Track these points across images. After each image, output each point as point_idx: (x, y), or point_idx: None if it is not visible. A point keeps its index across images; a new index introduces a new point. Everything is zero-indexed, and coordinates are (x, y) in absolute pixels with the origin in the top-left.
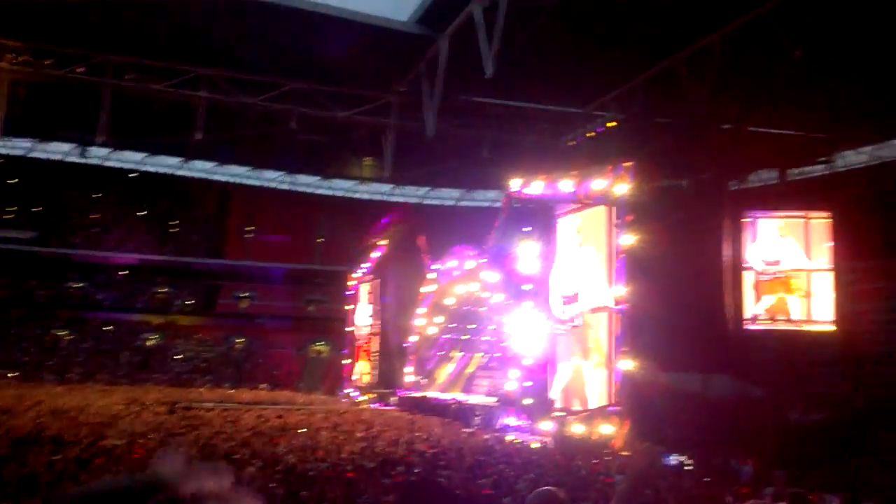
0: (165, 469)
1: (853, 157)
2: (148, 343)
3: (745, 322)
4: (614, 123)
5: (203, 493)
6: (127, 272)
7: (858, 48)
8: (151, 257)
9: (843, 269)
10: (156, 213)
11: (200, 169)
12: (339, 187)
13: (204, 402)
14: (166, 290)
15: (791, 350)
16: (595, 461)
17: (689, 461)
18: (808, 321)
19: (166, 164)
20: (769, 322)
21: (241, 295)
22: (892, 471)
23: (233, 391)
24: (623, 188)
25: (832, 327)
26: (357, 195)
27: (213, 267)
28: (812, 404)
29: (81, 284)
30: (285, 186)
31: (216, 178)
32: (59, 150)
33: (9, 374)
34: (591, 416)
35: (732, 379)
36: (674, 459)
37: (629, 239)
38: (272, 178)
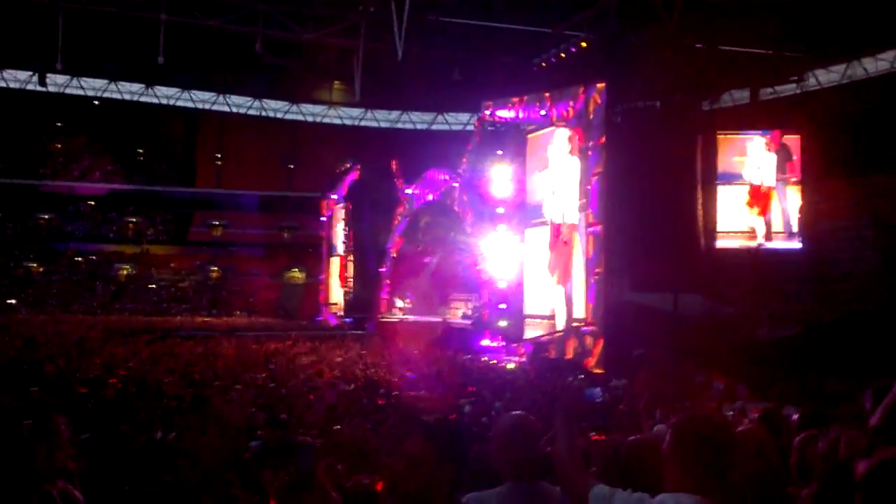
0: None
1: (824, 76)
2: (122, 273)
3: (717, 240)
4: (585, 44)
5: None
6: (95, 203)
7: None
8: (120, 186)
9: (812, 188)
10: (122, 142)
11: (165, 95)
12: (309, 112)
13: (181, 330)
14: (137, 219)
15: (760, 268)
16: (569, 379)
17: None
18: (779, 238)
19: (129, 91)
20: (745, 238)
21: (214, 223)
22: (852, 383)
23: (209, 319)
24: (596, 109)
25: (800, 244)
26: (327, 119)
27: (184, 195)
28: (780, 321)
29: (50, 216)
30: (254, 112)
31: (182, 104)
32: (17, 79)
33: None
34: (565, 335)
35: (703, 297)
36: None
37: (602, 160)
38: (240, 104)
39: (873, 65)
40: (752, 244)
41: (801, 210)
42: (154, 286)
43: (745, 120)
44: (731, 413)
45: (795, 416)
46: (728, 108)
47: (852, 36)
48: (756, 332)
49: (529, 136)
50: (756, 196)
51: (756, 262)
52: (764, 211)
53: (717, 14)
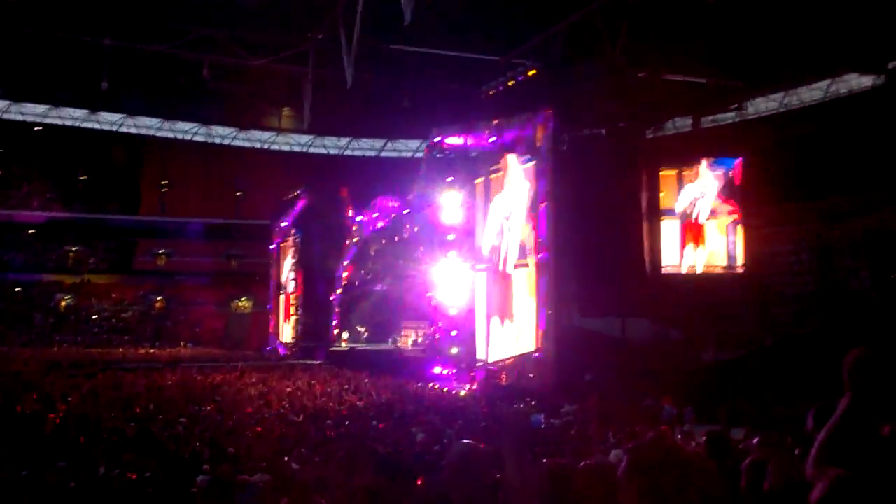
0: None
1: (763, 105)
2: (62, 304)
3: (662, 267)
4: (533, 72)
5: None
6: (34, 231)
7: None
8: (60, 214)
9: (753, 213)
10: (63, 169)
11: (109, 121)
12: (257, 138)
13: (124, 362)
14: (78, 248)
15: (705, 293)
16: (515, 406)
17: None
18: (722, 265)
19: (72, 117)
20: (688, 267)
21: (159, 252)
22: (795, 405)
23: (153, 351)
24: (544, 137)
25: (742, 270)
26: (276, 146)
27: (127, 223)
28: (724, 344)
29: None
30: (200, 138)
31: (126, 130)
32: None
33: None
34: (516, 362)
35: (650, 322)
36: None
37: (550, 187)
38: (186, 130)
39: (808, 94)
40: (697, 270)
41: (744, 235)
42: (96, 317)
43: (688, 147)
44: (679, 437)
45: (755, 440)
46: (671, 135)
47: (788, 66)
48: (702, 355)
49: (480, 164)
50: (691, 230)
51: (700, 286)
52: (698, 244)
53: (660, 45)
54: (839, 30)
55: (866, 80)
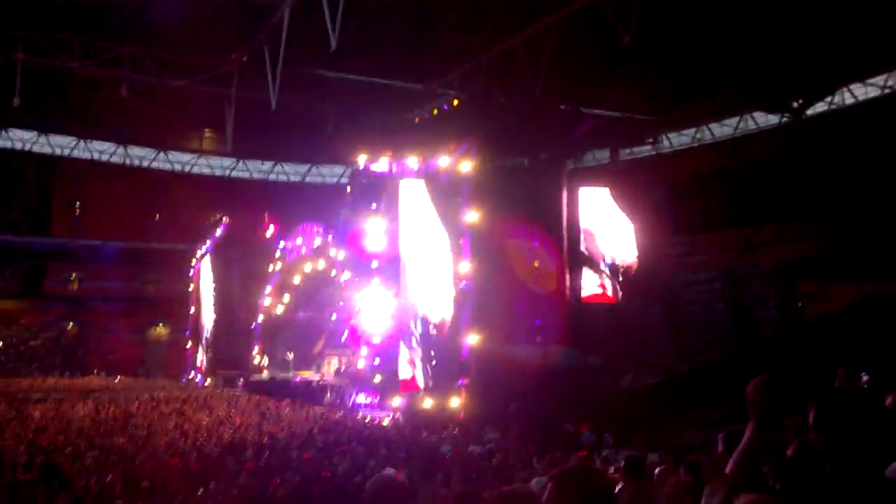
0: None
1: (676, 139)
2: None
3: (581, 296)
4: (457, 102)
5: None
6: None
7: (683, 36)
8: None
9: (667, 243)
10: None
11: (20, 138)
12: (178, 160)
13: (32, 392)
14: None
15: (622, 321)
16: (443, 434)
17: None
18: (635, 294)
19: None
20: (601, 296)
21: (71, 276)
22: (706, 429)
23: (63, 380)
24: (466, 166)
25: (656, 299)
26: (197, 169)
27: (38, 245)
28: (642, 370)
29: None
30: (117, 159)
31: (38, 149)
32: None
33: None
34: (438, 390)
35: (569, 349)
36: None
37: (472, 216)
38: (103, 150)
39: (719, 130)
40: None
41: (657, 265)
42: (1, 344)
43: (606, 179)
44: (598, 462)
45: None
46: (591, 167)
47: (700, 102)
48: (619, 381)
49: (403, 192)
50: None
51: (617, 314)
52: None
53: (580, 79)
54: (748, 70)
55: (773, 119)
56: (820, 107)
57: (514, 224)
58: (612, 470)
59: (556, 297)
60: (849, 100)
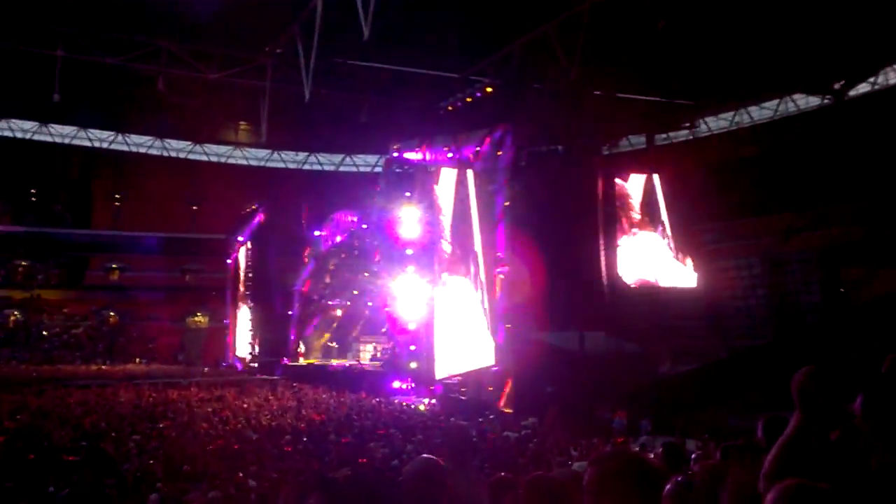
0: None
1: (714, 123)
2: (10, 320)
3: (619, 282)
4: (491, 89)
5: None
6: None
7: (720, 18)
8: (9, 228)
9: (705, 229)
10: (13, 182)
11: (61, 133)
12: (214, 152)
13: (74, 379)
14: (27, 262)
15: (660, 306)
16: (480, 420)
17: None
18: (675, 279)
19: (22, 129)
20: (640, 282)
21: (112, 266)
22: (748, 416)
23: (105, 367)
24: (501, 153)
25: (695, 284)
26: (233, 160)
27: (80, 237)
28: (680, 357)
29: None
30: (155, 151)
31: (78, 142)
32: None
33: None
34: (474, 376)
35: (607, 336)
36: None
37: (508, 203)
38: (140, 143)
39: (758, 113)
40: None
41: (697, 250)
42: (45, 333)
43: (642, 164)
44: (636, 448)
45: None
46: (626, 152)
47: (738, 86)
48: (657, 368)
49: (438, 180)
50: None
51: (655, 300)
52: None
53: (615, 64)
54: (787, 52)
55: (814, 100)
56: (862, 87)
57: (550, 209)
58: (650, 456)
59: (593, 283)
60: (892, 80)
